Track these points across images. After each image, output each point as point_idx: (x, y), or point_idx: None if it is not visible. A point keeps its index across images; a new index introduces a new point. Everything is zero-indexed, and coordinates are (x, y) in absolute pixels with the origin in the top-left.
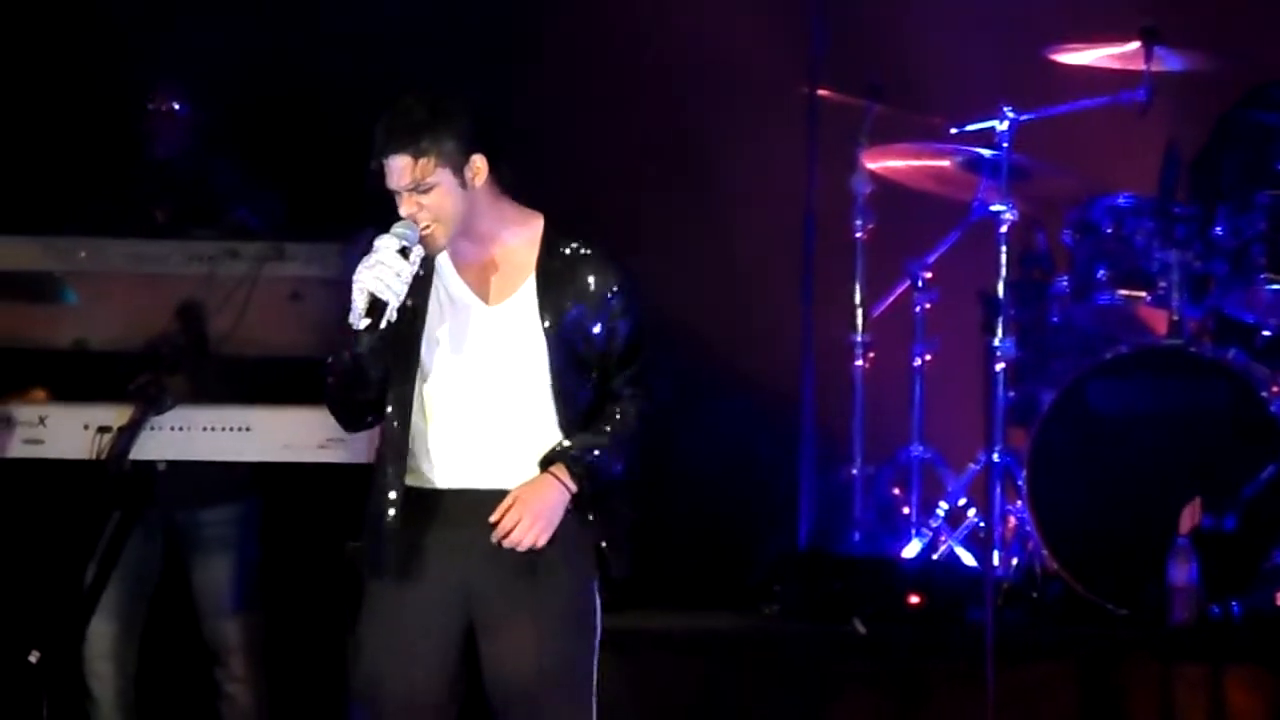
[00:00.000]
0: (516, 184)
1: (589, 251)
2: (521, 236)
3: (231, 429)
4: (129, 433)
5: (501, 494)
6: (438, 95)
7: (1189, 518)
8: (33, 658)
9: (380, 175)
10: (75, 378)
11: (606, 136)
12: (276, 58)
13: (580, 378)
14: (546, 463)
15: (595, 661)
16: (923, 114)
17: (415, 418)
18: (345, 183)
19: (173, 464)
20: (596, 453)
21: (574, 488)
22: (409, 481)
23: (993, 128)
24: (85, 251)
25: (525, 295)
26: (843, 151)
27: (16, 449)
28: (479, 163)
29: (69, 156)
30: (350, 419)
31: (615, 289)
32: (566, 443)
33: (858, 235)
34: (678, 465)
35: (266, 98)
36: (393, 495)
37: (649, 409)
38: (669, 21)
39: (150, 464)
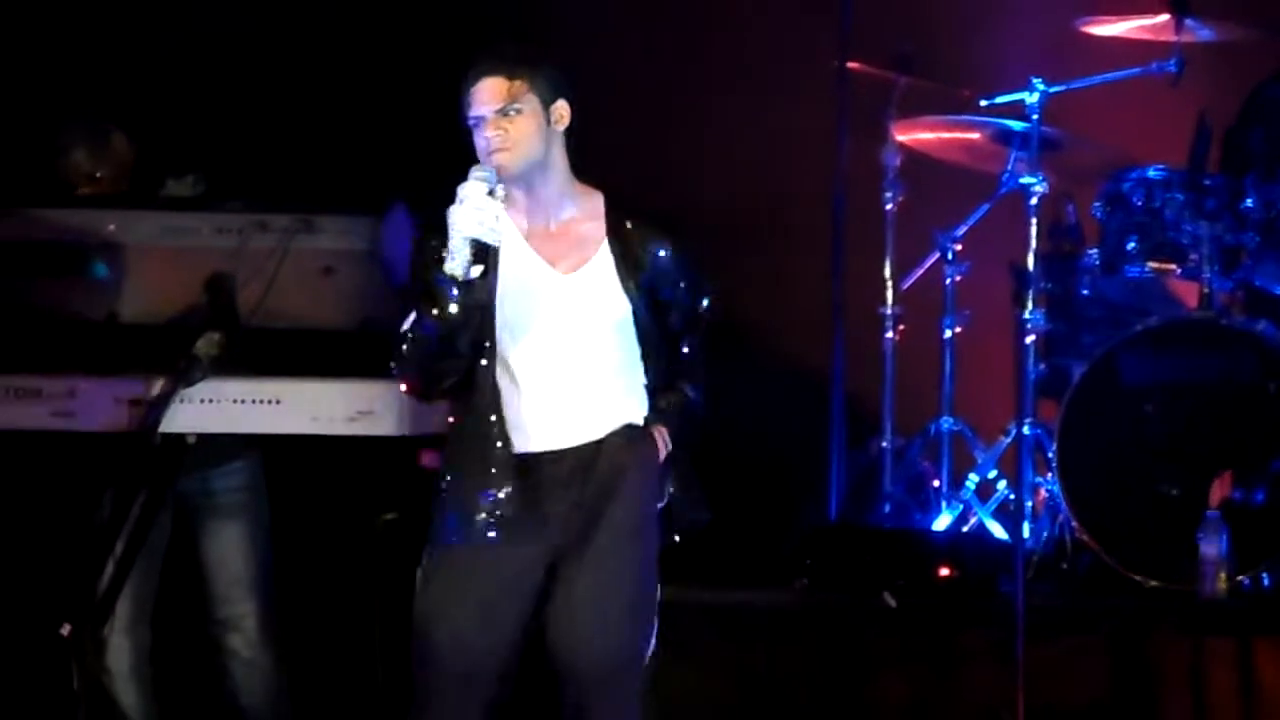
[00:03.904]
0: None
1: (655, 227)
2: (584, 209)
3: (261, 401)
4: (159, 405)
5: (586, 446)
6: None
7: (1219, 490)
8: (64, 630)
9: (465, 120)
10: (105, 350)
11: (636, 110)
12: (308, 32)
13: (661, 341)
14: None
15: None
16: (953, 86)
17: (501, 385)
18: (375, 157)
19: (200, 436)
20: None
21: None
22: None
23: (1023, 100)
24: (115, 224)
25: (601, 263)
26: (873, 124)
27: (47, 422)
28: (564, 108)
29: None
30: (432, 384)
31: (682, 262)
32: (661, 403)
33: (888, 207)
34: (707, 437)
35: (298, 70)
36: (476, 460)
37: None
38: None
39: (180, 436)
